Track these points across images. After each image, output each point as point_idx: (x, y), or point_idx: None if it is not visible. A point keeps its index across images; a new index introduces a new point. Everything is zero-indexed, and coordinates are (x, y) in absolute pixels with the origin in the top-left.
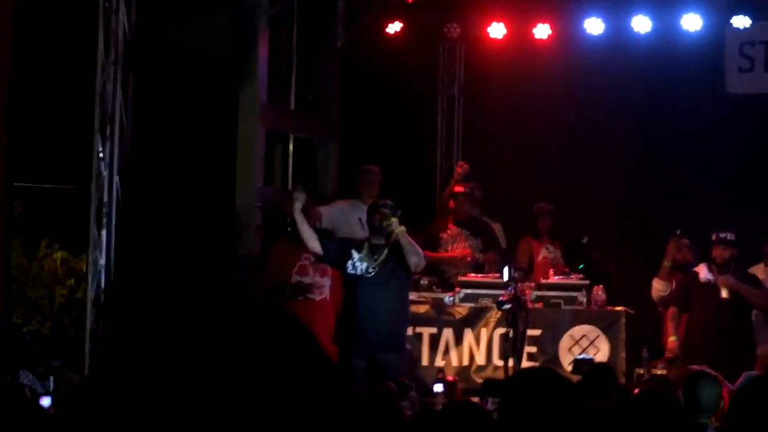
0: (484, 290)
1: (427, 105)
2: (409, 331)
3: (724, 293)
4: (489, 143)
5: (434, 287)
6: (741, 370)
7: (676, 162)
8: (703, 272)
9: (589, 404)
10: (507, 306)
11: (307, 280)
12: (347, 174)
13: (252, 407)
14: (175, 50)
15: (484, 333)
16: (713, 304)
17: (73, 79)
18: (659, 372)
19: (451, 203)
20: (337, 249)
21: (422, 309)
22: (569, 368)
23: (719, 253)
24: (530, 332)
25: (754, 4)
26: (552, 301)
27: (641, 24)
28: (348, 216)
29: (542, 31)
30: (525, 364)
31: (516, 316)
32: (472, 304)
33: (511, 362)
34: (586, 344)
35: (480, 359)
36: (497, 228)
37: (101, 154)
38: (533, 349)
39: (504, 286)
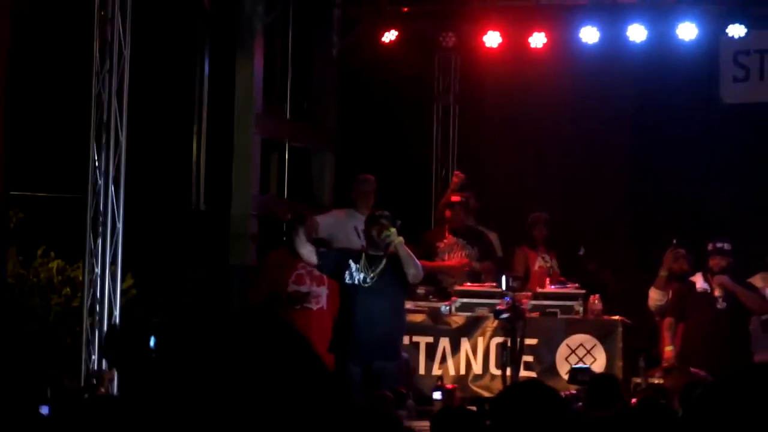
0: (480, 299)
1: (423, 114)
2: (406, 340)
3: (720, 302)
4: (484, 152)
5: (430, 296)
6: None
7: (672, 171)
8: (699, 282)
9: (592, 413)
10: (505, 315)
11: (304, 289)
12: (343, 183)
13: (250, 416)
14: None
15: (480, 342)
16: (710, 313)
17: (69, 87)
18: (656, 381)
19: (448, 213)
20: (334, 259)
21: (419, 318)
22: (566, 377)
23: (716, 262)
24: (527, 341)
25: (748, 13)
26: (548, 310)
27: (636, 33)
28: (344, 225)
29: (538, 40)
30: (522, 373)
31: (514, 326)
32: (469, 314)
33: (509, 372)
34: (582, 353)
35: (477, 368)
36: (493, 237)
37: (97, 163)
38: (530, 358)
39: (500, 295)
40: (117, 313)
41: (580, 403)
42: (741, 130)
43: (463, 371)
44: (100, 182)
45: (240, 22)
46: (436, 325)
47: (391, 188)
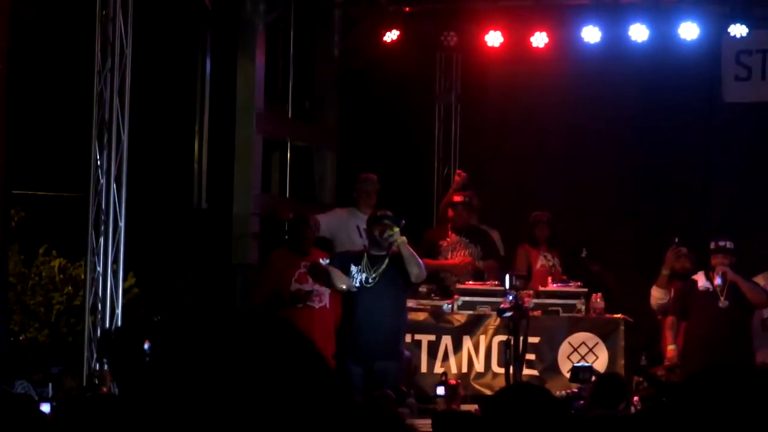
0: (482, 298)
1: (425, 113)
2: (408, 338)
3: (722, 301)
4: (486, 151)
5: (433, 295)
6: None
7: (673, 170)
8: (701, 280)
9: (593, 412)
10: (508, 314)
11: (306, 288)
12: (345, 182)
13: (252, 416)
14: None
15: (482, 340)
16: (712, 312)
17: (71, 86)
18: (659, 373)
19: (450, 212)
20: (336, 267)
21: (421, 316)
22: (568, 376)
23: (718, 261)
24: (529, 340)
25: (750, 13)
26: (550, 308)
27: (638, 33)
28: (346, 224)
29: (539, 39)
30: (524, 371)
31: (517, 324)
32: (471, 312)
33: (512, 370)
34: (584, 352)
35: (479, 367)
36: (495, 236)
37: (99, 162)
38: (532, 357)
39: (502, 293)
40: (119, 312)
41: (582, 402)
42: (743, 130)
43: (465, 369)
44: (102, 181)
45: (241, 21)
46: (438, 324)
47: (392, 187)
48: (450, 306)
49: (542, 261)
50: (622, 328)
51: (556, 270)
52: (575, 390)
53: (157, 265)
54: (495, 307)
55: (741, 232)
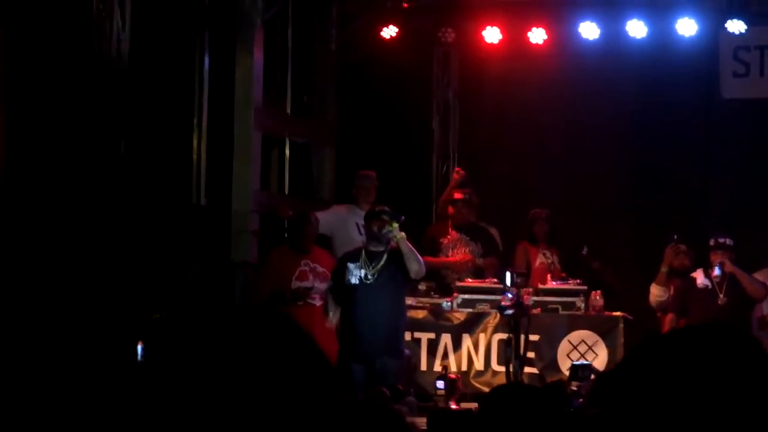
0: (481, 295)
1: (423, 109)
2: (408, 336)
3: (721, 298)
4: (484, 147)
5: (432, 293)
6: None
7: (672, 166)
8: (700, 277)
9: (590, 411)
10: (509, 311)
11: (307, 285)
12: (344, 178)
13: (251, 412)
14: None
15: (482, 338)
16: (711, 309)
17: (69, 83)
18: None
19: (451, 209)
20: (336, 274)
21: (420, 314)
22: (567, 373)
23: (717, 257)
24: (529, 337)
25: (748, 9)
26: (550, 306)
27: (636, 29)
28: (345, 221)
29: (537, 35)
30: (525, 369)
31: (518, 322)
32: (470, 310)
33: (512, 368)
34: (584, 349)
35: (479, 365)
36: (494, 233)
37: None
38: (531, 355)
39: (501, 291)
40: None
41: (581, 400)
42: (741, 126)
43: (464, 367)
44: None
45: (239, 16)
46: (437, 321)
47: (391, 184)
48: (449, 304)
49: (541, 258)
50: (622, 325)
51: (555, 267)
52: (574, 388)
53: (156, 261)
54: (494, 304)
55: (740, 229)
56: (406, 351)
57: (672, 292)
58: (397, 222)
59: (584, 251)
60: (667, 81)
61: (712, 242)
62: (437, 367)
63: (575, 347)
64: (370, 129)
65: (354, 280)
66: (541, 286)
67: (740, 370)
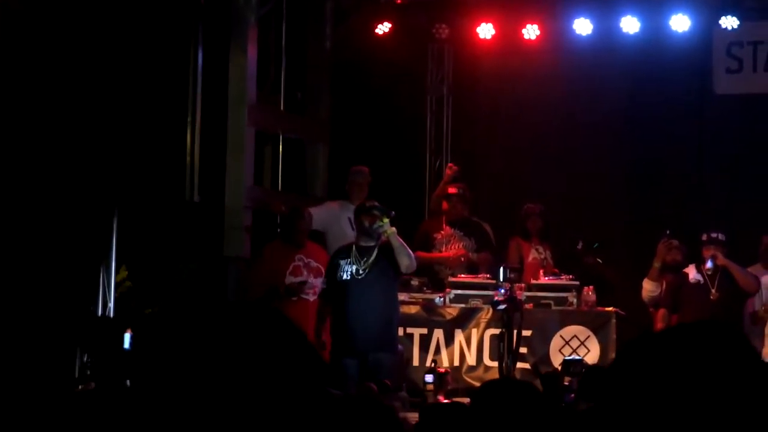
0: (474, 291)
1: (416, 105)
2: (400, 331)
3: (713, 293)
4: (478, 143)
5: (425, 288)
6: None
7: (665, 161)
8: (692, 273)
9: (580, 406)
10: (502, 306)
11: (301, 280)
12: (337, 174)
13: (242, 407)
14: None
15: (474, 334)
16: (703, 304)
17: (61, 80)
18: None
19: (445, 204)
20: (328, 272)
21: (413, 310)
22: (559, 369)
23: (710, 253)
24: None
25: (741, 5)
26: (542, 301)
27: (630, 25)
28: (338, 217)
29: (531, 31)
30: (517, 365)
31: (510, 317)
32: (463, 305)
33: (505, 363)
34: (576, 345)
35: (471, 360)
36: (487, 228)
37: None
38: (524, 350)
39: (494, 286)
40: (111, 305)
41: (573, 395)
42: (734, 122)
43: (457, 362)
44: None
45: (233, 13)
46: (430, 317)
47: (384, 180)
48: (442, 299)
49: (534, 254)
50: (614, 321)
51: (547, 263)
52: (566, 383)
53: (149, 257)
54: (487, 300)
55: (733, 224)
56: (399, 346)
57: (664, 287)
58: (388, 217)
59: (579, 246)
60: (660, 77)
61: (704, 237)
62: (429, 363)
63: (567, 342)
64: (364, 125)
65: (345, 276)
66: (533, 281)
67: (731, 367)
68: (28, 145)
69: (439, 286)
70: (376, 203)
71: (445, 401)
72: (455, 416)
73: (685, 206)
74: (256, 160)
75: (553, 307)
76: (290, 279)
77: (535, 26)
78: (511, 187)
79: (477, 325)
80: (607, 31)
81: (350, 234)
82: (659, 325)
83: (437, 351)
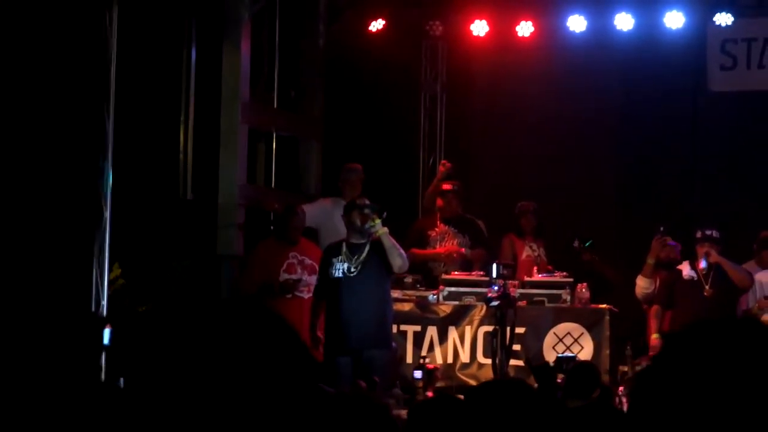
0: (468, 288)
1: (410, 102)
2: (394, 328)
3: (707, 290)
4: (472, 140)
5: (418, 285)
6: None
7: (659, 159)
8: (686, 269)
9: (568, 403)
10: (495, 303)
11: (295, 277)
12: (330, 172)
13: (234, 404)
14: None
15: (468, 331)
16: (697, 301)
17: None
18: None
19: (439, 201)
20: (320, 270)
21: (406, 307)
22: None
23: (704, 250)
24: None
25: (736, 2)
26: (536, 298)
27: (624, 21)
28: (331, 214)
29: (525, 28)
30: (510, 362)
31: (504, 314)
32: (456, 302)
33: (498, 360)
34: (570, 342)
35: (464, 357)
36: (481, 225)
37: None
38: (517, 347)
39: (488, 284)
40: (104, 302)
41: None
42: (728, 119)
43: (450, 360)
44: None
45: (227, 11)
46: (423, 314)
47: (378, 177)
48: (435, 297)
49: (528, 251)
50: (608, 318)
51: (541, 260)
52: (559, 381)
53: (142, 255)
54: (480, 297)
55: (727, 221)
56: (393, 343)
57: (658, 284)
58: (380, 217)
59: (575, 244)
60: (654, 74)
61: (698, 234)
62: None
63: (561, 339)
64: (358, 122)
65: (338, 274)
66: (527, 278)
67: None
68: (21, 142)
69: (433, 284)
70: (367, 201)
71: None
72: (446, 410)
73: (679, 203)
74: (249, 157)
75: (547, 304)
76: (285, 276)
77: (529, 23)
78: (505, 184)
79: (470, 323)
80: (601, 28)
81: (343, 231)
82: (652, 321)
83: (431, 348)
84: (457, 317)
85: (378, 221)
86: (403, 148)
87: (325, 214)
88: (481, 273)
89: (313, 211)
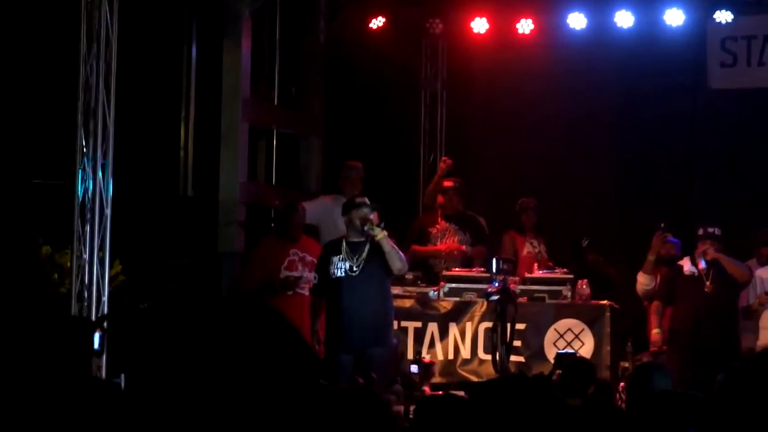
0: (468, 284)
1: (410, 100)
2: (394, 325)
3: (707, 286)
4: (472, 138)
5: (419, 281)
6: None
7: (659, 156)
8: (687, 266)
9: (565, 400)
10: (494, 297)
11: (296, 274)
12: (331, 169)
13: (236, 401)
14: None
15: (468, 327)
16: (697, 296)
17: (57, 73)
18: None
19: (440, 198)
20: (319, 268)
21: (407, 303)
22: (552, 362)
23: (705, 247)
24: (516, 326)
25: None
26: (536, 295)
27: (624, 19)
28: (332, 211)
29: (525, 26)
30: (511, 358)
31: (504, 309)
32: (457, 299)
33: (498, 355)
34: (570, 338)
35: (465, 353)
36: (482, 222)
37: (85, 149)
38: (518, 343)
39: (488, 280)
40: (105, 299)
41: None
42: (728, 116)
43: (451, 356)
44: (88, 168)
45: (227, 8)
46: (424, 310)
47: (378, 174)
48: (436, 293)
49: (528, 248)
50: (608, 314)
51: (542, 256)
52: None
53: (143, 252)
54: (481, 294)
55: (726, 218)
56: (394, 340)
57: (659, 280)
58: (379, 221)
59: (584, 243)
60: (654, 71)
61: (700, 232)
62: (424, 356)
63: (562, 336)
64: (358, 119)
65: (339, 273)
66: (528, 275)
67: None
68: (21, 138)
69: (434, 280)
70: (367, 200)
71: (429, 392)
72: (451, 409)
73: (678, 200)
74: (249, 154)
75: (548, 301)
76: (285, 273)
77: (530, 21)
78: (506, 181)
79: (471, 319)
80: (601, 26)
81: (343, 229)
82: (653, 317)
83: (431, 344)
84: (458, 313)
85: (377, 228)
86: (403, 145)
87: (325, 212)
88: (482, 269)
89: (313, 209)
